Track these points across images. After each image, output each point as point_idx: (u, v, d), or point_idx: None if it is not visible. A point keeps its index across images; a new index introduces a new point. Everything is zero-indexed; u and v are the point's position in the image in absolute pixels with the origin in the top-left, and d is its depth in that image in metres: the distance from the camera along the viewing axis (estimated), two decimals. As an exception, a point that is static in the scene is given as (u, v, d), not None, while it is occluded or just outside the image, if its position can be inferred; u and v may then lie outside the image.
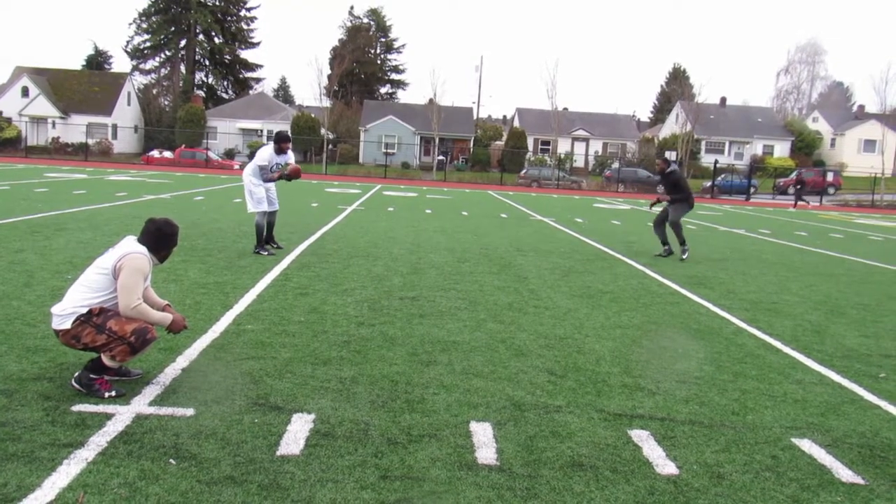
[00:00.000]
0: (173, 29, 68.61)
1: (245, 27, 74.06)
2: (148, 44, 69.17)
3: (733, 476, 3.46)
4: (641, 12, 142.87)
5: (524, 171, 48.47)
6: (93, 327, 3.94)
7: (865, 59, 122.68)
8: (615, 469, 3.45)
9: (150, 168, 41.10)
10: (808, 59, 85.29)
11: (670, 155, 46.50)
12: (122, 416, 3.72)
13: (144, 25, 68.70)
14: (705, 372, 5.17)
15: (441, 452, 3.51)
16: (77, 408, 3.78)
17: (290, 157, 9.79)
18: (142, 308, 4.01)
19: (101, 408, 3.81)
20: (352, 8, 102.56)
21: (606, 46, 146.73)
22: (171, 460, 3.24)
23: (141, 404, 3.89)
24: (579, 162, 56.61)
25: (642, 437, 3.86)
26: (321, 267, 8.68)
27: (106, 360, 3.98)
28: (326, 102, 55.12)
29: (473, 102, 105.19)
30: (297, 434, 3.61)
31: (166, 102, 66.82)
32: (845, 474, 3.57)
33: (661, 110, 79.94)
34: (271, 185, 9.79)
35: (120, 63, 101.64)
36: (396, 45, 79.49)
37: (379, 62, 78.14)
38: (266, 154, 9.52)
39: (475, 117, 63.94)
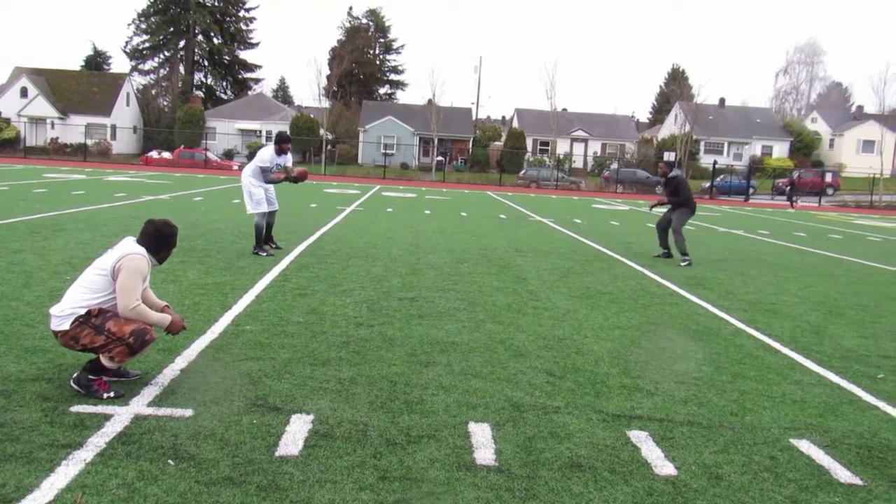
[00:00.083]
0: (172, 29, 68.58)
1: (244, 28, 74.07)
2: (147, 44, 69.13)
3: (732, 477, 3.46)
4: (640, 13, 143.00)
5: (523, 171, 48.48)
6: (91, 328, 3.94)
7: (864, 59, 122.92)
8: (614, 470, 3.45)
9: (148, 169, 41.09)
10: (806, 60, 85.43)
11: (669, 156, 46.58)
12: (120, 416, 3.72)
13: (143, 26, 68.67)
14: (704, 373, 5.18)
15: (440, 453, 3.51)
16: (76, 408, 3.78)
17: (289, 159, 9.80)
18: (140, 309, 4.01)
19: (99, 408, 3.81)
20: (351, 8, 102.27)
21: (605, 47, 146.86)
22: (170, 461, 3.23)
23: (139, 405, 3.89)
24: (578, 163, 56.64)
25: (641, 438, 3.86)
26: (320, 268, 8.68)
27: (105, 360, 3.98)
28: (325, 103, 55.13)
29: (472, 103, 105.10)
30: (295, 435, 3.61)
31: (165, 103, 66.80)
32: (844, 475, 3.57)
33: (660, 111, 79.98)
34: (270, 186, 9.79)
35: (119, 63, 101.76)
36: (395, 45, 79.56)
37: (378, 63, 78.14)
38: (267, 155, 9.51)
39: (474, 118, 63.96)
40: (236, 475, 3.14)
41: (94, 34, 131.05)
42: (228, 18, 72.24)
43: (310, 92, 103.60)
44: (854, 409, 4.58)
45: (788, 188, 37.64)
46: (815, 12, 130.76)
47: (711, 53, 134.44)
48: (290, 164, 9.83)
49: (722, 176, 46.54)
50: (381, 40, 78.48)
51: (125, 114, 57.49)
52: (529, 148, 58.03)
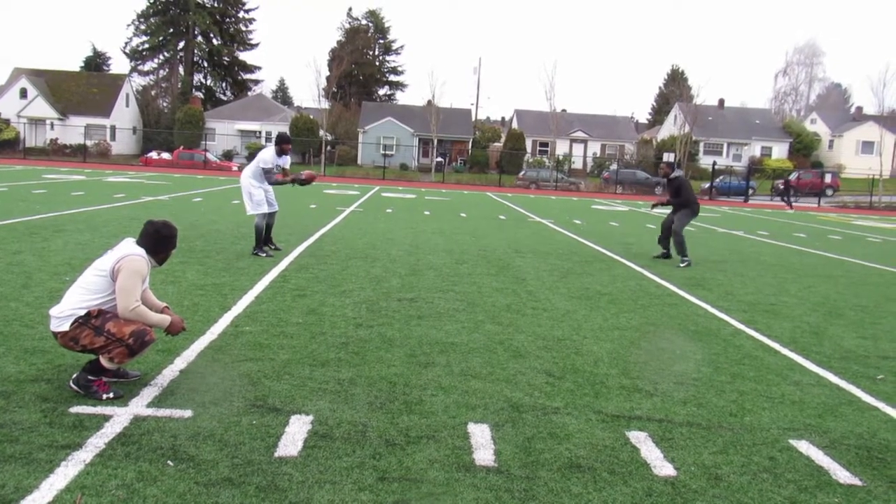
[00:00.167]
0: (172, 30, 68.57)
1: (243, 29, 74.09)
2: (146, 45, 69.11)
3: (731, 477, 3.46)
4: (640, 14, 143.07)
5: (522, 172, 48.49)
6: (91, 329, 3.94)
7: (863, 60, 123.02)
8: (613, 470, 3.45)
9: (148, 169, 41.09)
10: (806, 61, 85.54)
11: (668, 156, 46.59)
12: (119, 417, 3.72)
13: (143, 27, 68.64)
14: (703, 373, 5.18)
15: (439, 454, 3.51)
16: (75, 409, 3.78)
17: (287, 160, 9.82)
18: (140, 310, 4.01)
19: (98, 409, 3.80)
20: (350, 9, 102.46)
21: (605, 48, 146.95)
22: (169, 462, 3.24)
23: (139, 406, 3.89)
24: (577, 163, 56.66)
25: (640, 439, 3.86)
26: (319, 268, 8.68)
27: (104, 361, 3.98)
28: (325, 104, 55.15)
29: (472, 104, 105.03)
30: (295, 436, 3.61)
31: (165, 104, 66.81)
32: (843, 476, 3.57)
33: (660, 112, 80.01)
34: (270, 187, 9.79)
35: (118, 64, 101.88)
36: (395, 46, 79.59)
37: (377, 64, 78.17)
38: (268, 156, 9.51)
39: (473, 119, 63.98)
40: (235, 476, 3.14)
41: (93, 35, 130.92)
42: (228, 19, 72.25)
43: (309, 93, 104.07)
44: (853, 410, 4.58)
45: (782, 188, 37.65)
46: (815, 13, 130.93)
47: (711, 54, 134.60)
48: (287, 165, 9.85)
49: (721, 177, 46.56)
50: (381, 41, 78.52)
51: (125, 115, 57.49)
52: (529, 149, 58.04)
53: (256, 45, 77.97)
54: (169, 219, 4.43)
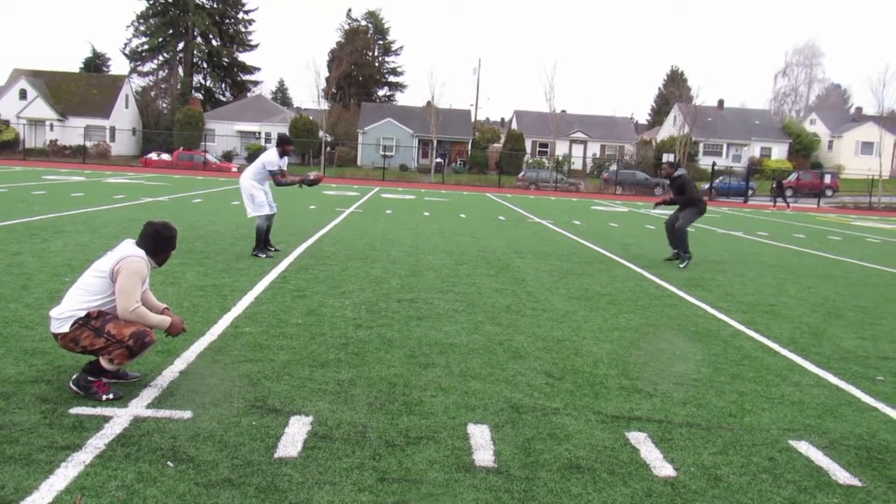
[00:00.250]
0: (171, 31, 68.60)
1: (243, 30, 74.12)
2: (146, 46, 69.13)
3: (730, 478, 3.47)
4: (639, 15, 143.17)
5: (522, 173, 48.49)
6: (91, 330, 3.94)
7: (863, 61, 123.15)
8: (612, 471, 3.45)
9: (147, 170, 41.10)
10: (805, 62, 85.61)
11: (668, 157, 46.55)
12: (119, 418, 3.72)
13: (142, 28, 68.67)
14: (703, 374, 5.18)
15: (439, 454, 3.51)
16: (75, 410, 3.78)
17: (285, 161, 9.85)
18: (140, 311, 4.01)
19: (98, 410, 3.81)
20: (350, 10, 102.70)
21: (604, 49, 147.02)
22: (169, 463, 3.24)
23: (139, 407, 3.89)
24: (577, 164, 56.69)
25: (640, 439, 3.86)
26: (319, 269, 8.69)
27: (104, 363, 3.98)
28: (324, 105, 55.13)
29: (471, 105, 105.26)
30: (294, 436, 3.61)
31: (164, 105, 66.83)
32: (842, 476, 3.58)
33: (659, 112, 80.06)
34: (269, 189, 9.80)
35: (118, 65, 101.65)
36: (394, 47, 79.58)
37: (377, 65, 78.17)
38: (274, 158, 9.53)
39: (473, 120, 63.98)
40: (235, 477, 3.14)
41: (93, 36, 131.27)
42: (227, 20, 72.27)
43: (309, 94, 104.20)
44: (853, 411, 4.59)
45: (775, 188, 37.67)
46: (814, 14, 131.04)
47: (710, 55, 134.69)
48: (285, 166, 9.87)
49: (721, 178, 46.59)
50: (380, 42, 78.52)
51: (124, 116, 57.50)
52: (528, 150, 58.06)
53: (256, 46, 77.93)
54: (169, 220, 4.43)
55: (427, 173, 50.36)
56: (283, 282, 7.73)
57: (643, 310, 7.41)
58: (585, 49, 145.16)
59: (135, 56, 69.72)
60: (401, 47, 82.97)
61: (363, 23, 77.17)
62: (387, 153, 53.18)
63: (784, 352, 6.00)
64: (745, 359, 5.69)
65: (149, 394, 4.09)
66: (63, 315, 3.98)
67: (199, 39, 70.34)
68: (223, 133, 56.51)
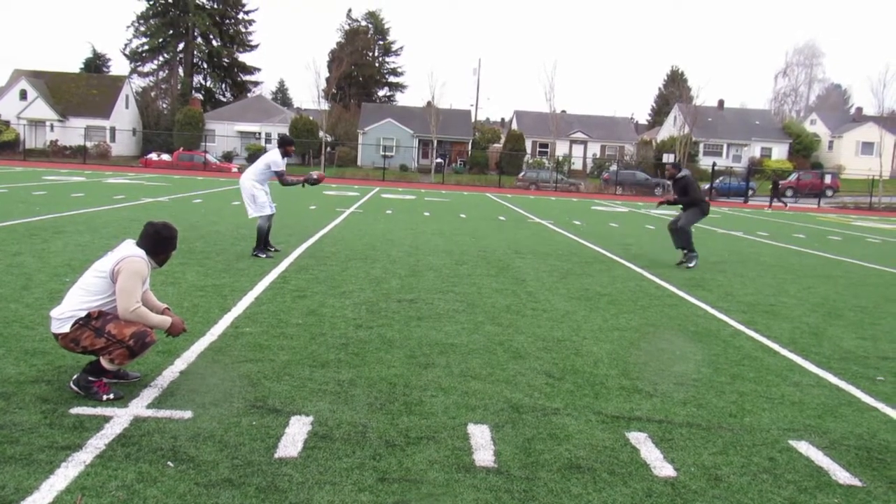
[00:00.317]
0: (171, 32, 68.63)
1: (243, 30, 74.18)
2: (146, 47, 69.18)
3: (731, 478, 3.47)
4: (639, 15, 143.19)
5: (522, 173, 48.50)
6: (91, 331, 3.94)
7: (863, 61, 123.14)
8: (613, 471, 3.45)
9: (148, 171, 41.11)
10: (805, 62, 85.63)
11: (669, 157, 46.60)
12: (120, 418, 3.72)
13: (143, 28, 68.72)
14: (703, 374, 5.18)
15: (439, 455, 3.51)
16: (75, 410, 3.78)
17: (285, 162, 9.87)
18: (141, 311, 4.01)
19: (99, 410, 3.81)
20: (350, 11, 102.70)
21: (604, 49, 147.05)
22: (169, 463, 3.24)
23: (139, 407, 3.90)
24: (577, 164, 56.69)
25: (640, 440, 3.86)
26: (319, 269, 8.69)
27: (104, 363, 3.98)
28: (325, 105, 55.16)
29: (471, 105, 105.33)
30: (295, 436, 3.61)
31: (164, 105, 66.86)
32: (842, 476, 3.58)
33: (659, 113, 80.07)
34: (269, 189, 9.81)
35: (118, 66, 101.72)
36: (394, 47, 79.63)
37: (377, 65, 78.21)
38: (279, 158, 9.58)
39: (473, 120, 63.99)
40: (235, 477, 3.15)
41: (93, 37, 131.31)
42: (227, 21, 72.31)
43: (309, 94, 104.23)
44: (853, 411, 4.59)
45: (772, 188, 37.73)
46: (814, 14, 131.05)
47: (710, 55, 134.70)
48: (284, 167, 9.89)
49: (721, 178, 46.59)
50: (381, 42, 78.56)
51: (124, 116, 57.52)
52: (528, 150, 58.06)
53: (256, 46, 77.91)
54: (169, 220, 4.43)
55: (427, 173, 50.37)
56: (284, 282, 7.73)
57: (643, 310, 7.41)
58: (585, 49, 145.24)
59: (135, 56, 69.78)
60: (401, 48, 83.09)
61: (363, 23, 77.22)
62: (387, 153, 53.19)
63: (784, 352, 6.00)
64: (746, 359, 5.69)
65: (149, 394, 4.10)
66: (63, 315, 3.98)
67: (199, 40, 70.39)
68: (223, 133, 56.52)
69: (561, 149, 57.57)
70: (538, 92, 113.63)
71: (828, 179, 49.43)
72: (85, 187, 21.94)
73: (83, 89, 56.27)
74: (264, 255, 9.37)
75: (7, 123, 51.21)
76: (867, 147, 59.18)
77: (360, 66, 74.22)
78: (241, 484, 3.08)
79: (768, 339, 6.40)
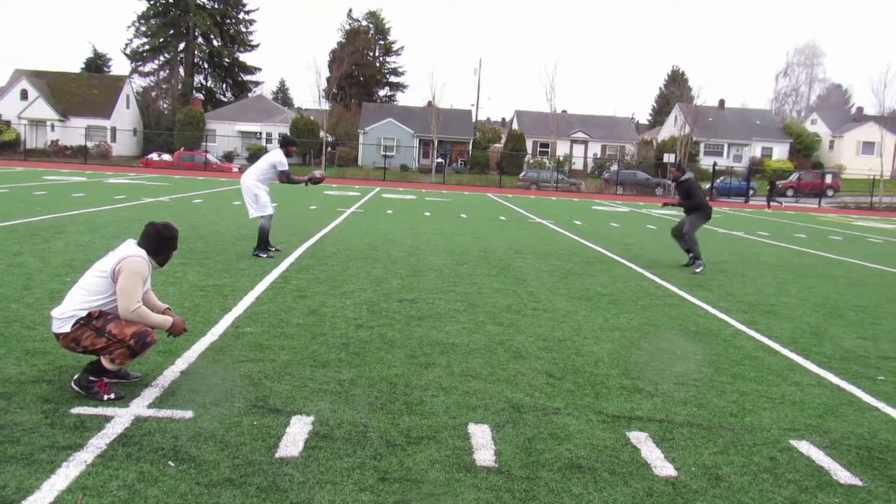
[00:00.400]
0: (172, 32, 68.64)
1: (244, 30, 74.20)
2: (147, 47, 69.20)
3: (731, 478, 3.47)
4: (640, 15, 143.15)
5: (523, 173, 48.51)
6: (92, 330, 3.95)
7: (864, 61, 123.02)
8: (613, 471, 3.45)
9: (148, 171, 41.13)
10: (806, 62, 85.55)
11: (669, 157, 46.59)
12: (120, 418, 3.73)
13: (143, 28, 68.74)
14: (704, 374, 5.18)
15: (440, 454, 3.51)
16: (76, 410, 3.79)
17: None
18: (141, 311, 4.02)
19: (99, 410, 3.81)
20: (350, 10, 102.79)
21: (605, 49, 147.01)
22: (170, 462, 3.24)
23: (140, 407, 3.90)
24: (578, 164, 56.68)
25: (641, 439, 3.86)
26: (320, 269, 8.69)
27: (105, 362, 3.98)
28: (325, 105, 55.18)
29: (472, 105, 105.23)
30: (295, 436, 3.61)
31: (165, 105, 66.88)
32: (843, 476, 3.58)
33: (660, 113, 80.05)
34: (269, 189, 9.82)
35: (119, 66, 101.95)
36: (395, 47, 79.63)
37: (378, 65, 78.21)
38: (283, 158, 9.60)
39: (474, 120, 63.99)
40: (236, 476, 3.15)
41: (94, 36, 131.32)
42: (228, 21, 72.33)
43: (310, 94, 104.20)
44: (854, 411, 4.59)
45: (769, 188, 37.74)
46: (815, 14, 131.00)
47: (711, 55, 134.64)
48: None
49: (722, 178, 46.57)
50: (381, 42, 78.57)
51: (125, 116, 57.54)
52: (529, 150, 58.05)
53: (257, 46, 78.04)
54: (170, 220, 4.44)
55: (428, 173, 50.37)
56: (284, 282, 7.73)
57: (644, 310, 7.41)
58: (586, 49, 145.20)
59: (136, 56, 69.80)
60: (401, 47, 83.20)
61: (364, 23, 77.24)
62: (388, 153, 53.19)
63: (785, 352, 6.00)
64: (746, 359, 5.69)
65: (150, 393, 4.10)
66: (64, 315, 3.98)
67: (199, 40, 70.42)
68: (224, 133, 56.53)
69: (562, 149, 57.57)
70: (539, 92, 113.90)
71: (828, 179, 49.42)
72: (86, 187, 21.95)
73: (84, 89, 56.29)
74: (265, 255, 9.37)
75: (8, 123, 51.24)
76: (868, 147, 59.14)
77: (361, 65, 74.23)
78: (242, 484, 3.08)
79: (769, 339, 6.40)
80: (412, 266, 9.38)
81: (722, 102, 65.90)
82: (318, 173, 10.23)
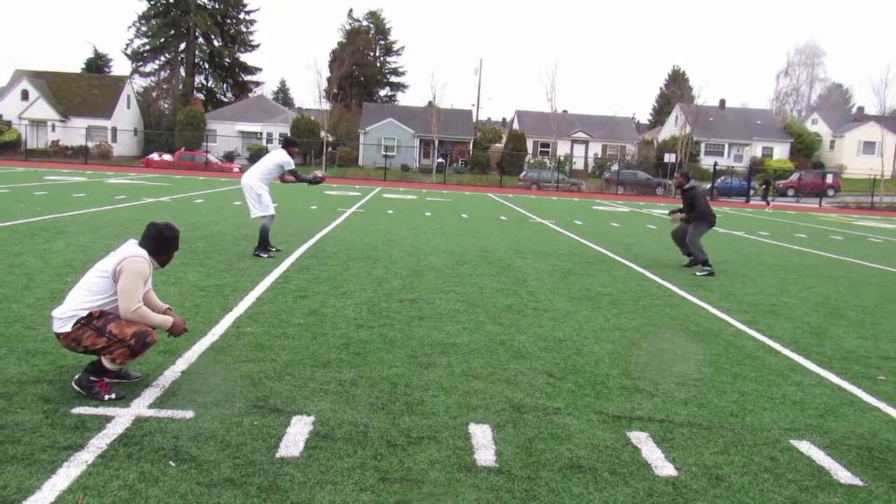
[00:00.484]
0: (173, 32, 68.67)
1: (244, 30, 74.21)
2: (147, 47, 69.22)
3: (732, 478, 3.47)
4: (641, 14, 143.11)
5: (523, 173, 48.51)
6: (93, 330, 3.95)
7: (865, 60, 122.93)
8: (614, 471, 3.45)
9: (149, 171, 41.15)
10: (807, 61, 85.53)
11: (670, 157, 46.59)
12: (121, 418, 3.73)
13: (144, 28, 68.77)
14: (704, 374, 5.18)
15: (440, 454, 3.51)
16: (77, 410, 3.79)
17: None
18: (142, 311, 4.02)
19: (100, 410, 3.81)
20: (351, 10, 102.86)
21: (606, 49, 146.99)
22: (171, 462, 3.24)
23: (140, 407, 3.90)
24: (578, 164, 56.66)
25: (641, 439, 3.86)
26: (320, 269, 8.69)
27: (106, 362, 3.99)
28: (326, 105, 55.21)
29: (473, 105, 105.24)
30: (296, 436, 3.62)
31: (166, 105, 66.89)
32: (844, 476, 3.58)
33: (661, 112, 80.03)
34: (270, 189, 9.83)
35: (120, 66, 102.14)
36: (396, 47, 79.65)
37: (378, 65, 78.22)
38: (287, 158, 9.65)
39: (474, 120, 63.99)
40: (237, 476, 3.15)
41: (94, 37, 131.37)
42: (229, 21, 72.36)
43: (310, 94, 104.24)
44: (854, 411, 4.58)
45: (764, 187, 37.72)
46: (815, 13, 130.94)
47: (712, 55, 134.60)
48: None
49: (722, 177, 46.57)
50: (382, 42, 78.57)
51: (126, 116, 57.56)
52: (530, 150, 58.04)
53: (257, 46, 78.08)
54: (171, 220, 4.44)
55: (428, 173, 50.37)
56: (285, 282, 7.74)
57: (644, 310, 7.41)
58: (587, 49, 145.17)
59: (136, 56, 69.83)
60: (402, 47, 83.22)
61: (364, 23, 77.24)
62: (388, 153, 53.21)
63: (785, 351, 6.00)
64: (747, 358, 5.69)
65: (151, 394, 4.10)
66: (65, 315, 3.99)
67: (200, 40, 70.44)
68: (225, 133, 56.56)
69: (562, 148, 57.55)
70: (539, 92, 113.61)
71: (829, 179, 49.41)
72: (86, 187, 21.96)
73: (85, 89, 56.32)
74: (266, 255, 9.38)
75: (9, 124, 51.26)
76: (868, 146, 59.11)
77: (362, 65, 74.24)
78: (242, 483, 3.09)
79: (770, 339, 6.40)
80: (413, 266, 9.38)
81: (723, 102, 65.90)
82: (318, 173, 10.30)
